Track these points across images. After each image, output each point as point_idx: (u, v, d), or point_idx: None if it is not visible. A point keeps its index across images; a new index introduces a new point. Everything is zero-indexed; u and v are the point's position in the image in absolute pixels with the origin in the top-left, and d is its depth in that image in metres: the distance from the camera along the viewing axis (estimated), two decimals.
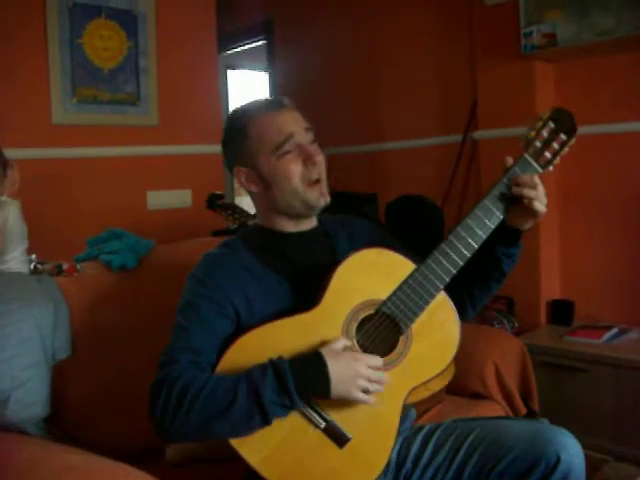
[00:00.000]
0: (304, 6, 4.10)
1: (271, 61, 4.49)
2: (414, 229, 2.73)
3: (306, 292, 1.38)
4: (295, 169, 1.41)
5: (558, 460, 1.29)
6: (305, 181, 1.41)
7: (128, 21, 2.97)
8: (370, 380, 1.27)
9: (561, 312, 2.96)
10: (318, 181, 1.43)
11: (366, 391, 1.27)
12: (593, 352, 2.55)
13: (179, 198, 3.16)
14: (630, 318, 2.84)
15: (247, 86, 6.54)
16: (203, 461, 1.71)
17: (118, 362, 1.78)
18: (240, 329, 1.34)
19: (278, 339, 1.30)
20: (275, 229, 1.49)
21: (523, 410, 2.08)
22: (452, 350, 1.41)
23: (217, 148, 3.34)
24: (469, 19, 3.13)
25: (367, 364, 1.28)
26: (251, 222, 2.10)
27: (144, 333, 1.81)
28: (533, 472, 1.31)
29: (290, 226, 1.48)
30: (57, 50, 2.75)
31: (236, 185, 5.52)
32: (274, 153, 1.41)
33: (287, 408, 1.24)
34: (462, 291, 1.50)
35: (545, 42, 2.70)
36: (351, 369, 1.25)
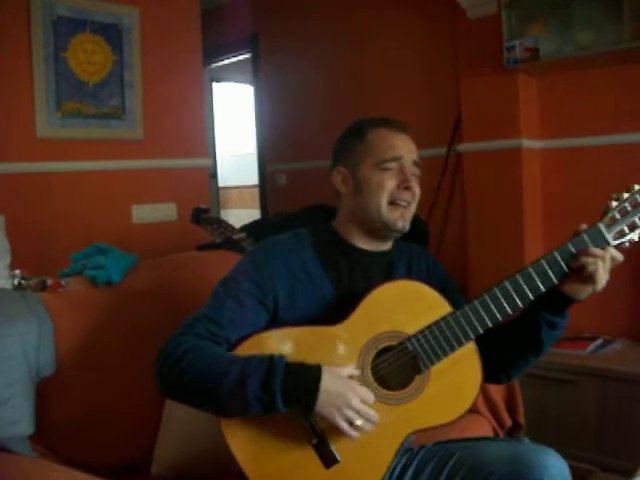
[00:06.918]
0: (290, 20, 4.12)
1: (256, 74, 4.50)
2: None
3: (344, 309, 1.37)
4: (388, 185, 1.43)
5: None
6: (391, 200, 1.43)
7: (113, 35, 2.98)
8: (359, 414, 1.24)
9: None
10: (403, 206, 1.45)
11: (351, 423, 1.24)
12: (578, 363, 2.55)
13: (164, 212, 3.16)
14: (614, 328, 2.85)
15: (232, 99, 6.56)
16: (189, 476, 1.69)
17: (103, 378, 1.77)
18: (276, 320, 1.37)
19: (294, 344, 1.31)
20: (346, 239, 1.49)
21: (509, 423, 2.08)
22: (466, 404, 1.36)
23: (202, 161, 3.40)
24: (453, 33, 3.15)
25: (361, 397, 1.25)
26: (236, 236, 2.09)
27: (129, 349, 1.80)
28: None
29: (361, 242, 1.49)
30: (41, 64, 2.75)
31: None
32: (377, 165, 1.44)
33: (267, 407, 1.22)
34: (497, 357, 1.45)
35: (528, 56, 2.73)
36: (344, 395, 1.23)
